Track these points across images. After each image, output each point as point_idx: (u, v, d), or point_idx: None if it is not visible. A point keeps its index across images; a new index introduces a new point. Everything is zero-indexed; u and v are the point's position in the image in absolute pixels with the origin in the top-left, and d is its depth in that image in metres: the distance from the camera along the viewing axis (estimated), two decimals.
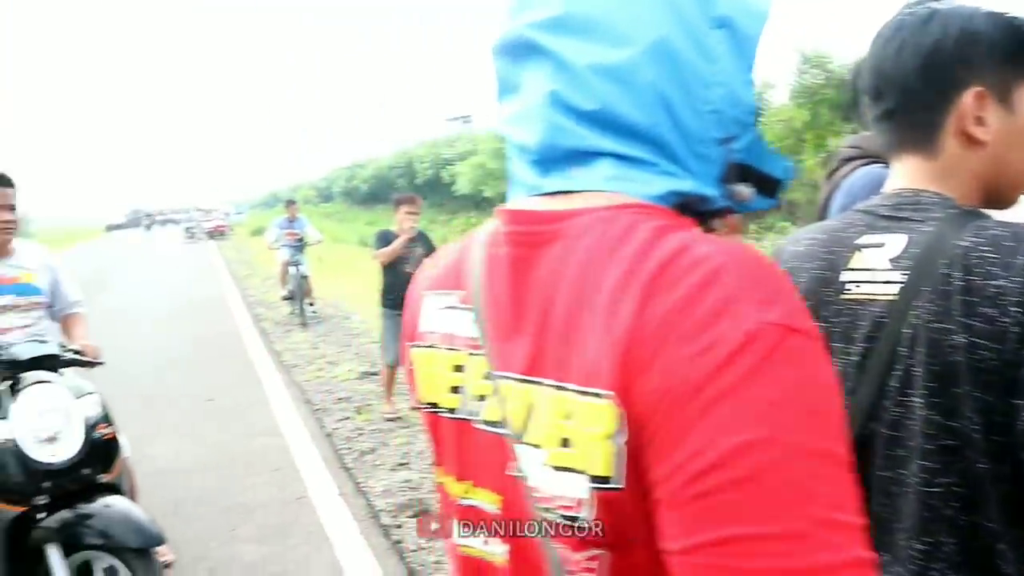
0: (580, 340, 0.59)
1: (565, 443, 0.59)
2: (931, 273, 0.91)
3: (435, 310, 0.76)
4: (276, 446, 5.18)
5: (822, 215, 1.85)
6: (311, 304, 10.08)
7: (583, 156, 0.65)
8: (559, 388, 0.60)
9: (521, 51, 0.68)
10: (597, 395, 0.56)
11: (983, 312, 0.87)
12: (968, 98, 0.94)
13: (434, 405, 0.76)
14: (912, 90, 0.97)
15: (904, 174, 1.02)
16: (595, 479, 0.57)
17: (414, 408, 0.83)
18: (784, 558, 0.48)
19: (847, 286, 1.00)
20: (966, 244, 0.90)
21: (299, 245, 9.89)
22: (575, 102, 0.63)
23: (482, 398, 0.69)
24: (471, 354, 0.71)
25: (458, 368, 0.72)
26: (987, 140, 0.95)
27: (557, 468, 0.60)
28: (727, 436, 0.49)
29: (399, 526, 3.80)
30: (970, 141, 0.96)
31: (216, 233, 35.00)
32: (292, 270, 9.75)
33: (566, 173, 0.66)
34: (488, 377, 0.68)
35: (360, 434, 5.29)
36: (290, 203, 10.57)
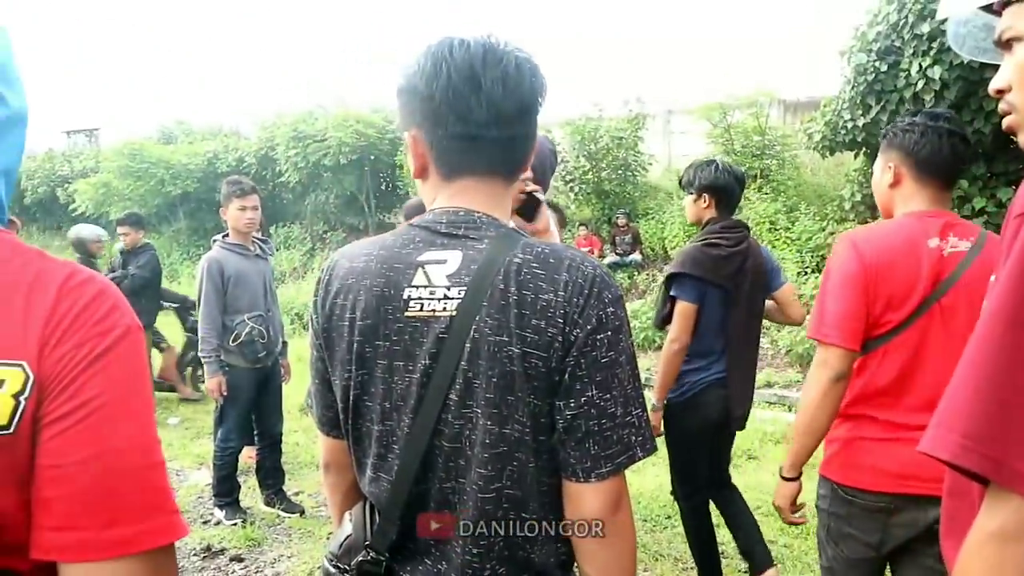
0: None
1: None
2: (488, 288, 0.96)
3: None
4: None
5: None
6: None
7: None
8: None
9: None
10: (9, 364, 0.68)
11: (534, 324, 0.95)
12: None
13: None
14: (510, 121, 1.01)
15: (455, 194, 1.05)
16: None
17: None
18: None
19: (410, 303, 0.99)
20: (518, 260, 0.97)
21: None
22: None
23: None
24: None
25: None
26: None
27: None
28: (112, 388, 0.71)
29: None
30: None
31: None
32: None
33: None
34: None
35: None
36: None
